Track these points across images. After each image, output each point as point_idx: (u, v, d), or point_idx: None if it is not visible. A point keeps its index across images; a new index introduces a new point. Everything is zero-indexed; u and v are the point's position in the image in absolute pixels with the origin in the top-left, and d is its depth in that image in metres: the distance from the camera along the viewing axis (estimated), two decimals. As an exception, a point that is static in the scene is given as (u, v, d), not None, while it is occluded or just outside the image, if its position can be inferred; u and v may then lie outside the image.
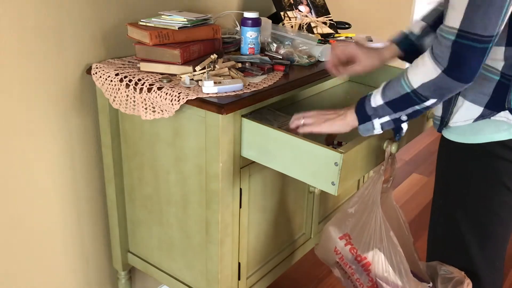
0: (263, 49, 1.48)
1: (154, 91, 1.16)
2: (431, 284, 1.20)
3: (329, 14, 1.79)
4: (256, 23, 1.41)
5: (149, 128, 1.28)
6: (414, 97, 0.97)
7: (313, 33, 1.67)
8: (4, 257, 1.32)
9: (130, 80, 1.22)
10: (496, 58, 0.98)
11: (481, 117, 1.02)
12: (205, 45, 1.31)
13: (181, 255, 1.37)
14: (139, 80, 1.21)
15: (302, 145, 1.08)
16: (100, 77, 1.28)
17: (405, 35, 1.23)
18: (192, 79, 1.21)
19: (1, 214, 1.28)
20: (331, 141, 1.20)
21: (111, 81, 1.25)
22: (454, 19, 0.87)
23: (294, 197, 1.49)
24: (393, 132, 1.12)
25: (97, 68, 1.30)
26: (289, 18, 1.66)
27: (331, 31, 1.74)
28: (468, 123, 1.04)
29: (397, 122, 1.04)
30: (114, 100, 1.26)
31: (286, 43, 1.51)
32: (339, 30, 1.78)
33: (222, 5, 1.69)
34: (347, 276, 1.32)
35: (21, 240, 1.35)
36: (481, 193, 1.09)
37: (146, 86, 1.19)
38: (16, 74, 1.21)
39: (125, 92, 1.22)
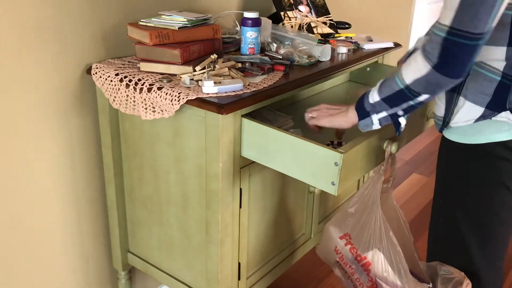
0: (263, 49, 1.48)
1: (154, 91, 1.16)
2: (431, 285, 1.20)
3: (329, 14, 1.79)
4: (256, 23, 1.41)
5: (149, 128, 1.28)
6: (407, 93, 0.99)
7: (313, 33, 1.67)
8: (4, 257, 1.32)
9: (130, 80, 1.22)
10: (497, 58, 0.98)
11: (482, 117, 1.02)
12: (205, 45, 1.31)
13: (181, 255, 1.37)
14: (139, 80, 1.21)
15: (302, 145, 1.08)
16: (100, 77, 1.28)
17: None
18: (192, 79, 1.21)
19: (1, 214, 1.28)
20: (340, 135, 1.26)
21: (111, 81, 1.25)
22: (446, 17, 0.88)
23: (294, 197, 1.49)
24: (394, 127, 1.13)
25: (97, 68, 1.30)
26: (289, 18, 1.66)
27: (331, 31, 1.74)
28: (469, 123, 1.04)
29: (394, 117, 1.06)
30: (114, 100, 1.26)
31: (286, 43, 1.51)
32: (339, 30, 1.78)
33: (222, 5, 1.69)
34: (347, 276, 1.32)
35: (21, 240, 1.35)
36: (482, 193, 1.09)
37: (146, 86, 1.19)
38: (16, 74, 1.21)
39: (125, 92, 1.22)
